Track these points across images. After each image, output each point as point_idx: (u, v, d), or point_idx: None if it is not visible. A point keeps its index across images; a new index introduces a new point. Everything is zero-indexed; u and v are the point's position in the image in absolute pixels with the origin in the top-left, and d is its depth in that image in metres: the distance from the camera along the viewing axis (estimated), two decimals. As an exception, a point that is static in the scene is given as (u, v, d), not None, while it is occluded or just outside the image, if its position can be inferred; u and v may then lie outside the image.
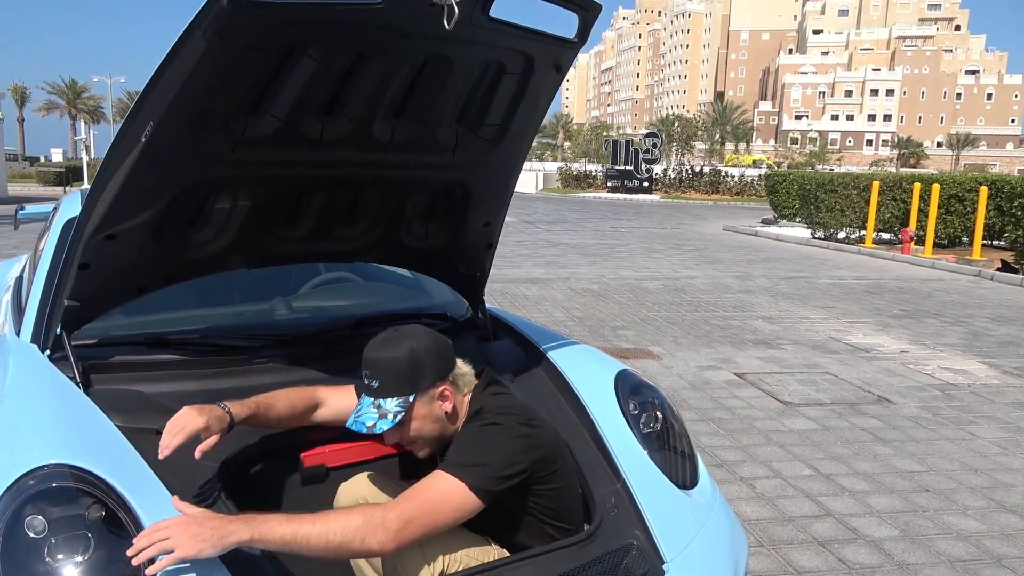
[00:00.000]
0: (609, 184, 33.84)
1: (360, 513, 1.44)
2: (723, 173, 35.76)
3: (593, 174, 37.46)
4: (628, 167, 32.97)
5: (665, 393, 2.32)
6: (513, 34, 1.80)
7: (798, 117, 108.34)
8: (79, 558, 1.39)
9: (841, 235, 15.66)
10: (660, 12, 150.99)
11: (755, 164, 53.03)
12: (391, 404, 1.64)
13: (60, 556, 1.39)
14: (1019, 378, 5.73)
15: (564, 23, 1.90)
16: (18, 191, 27.30)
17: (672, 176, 35.67)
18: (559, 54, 1.91)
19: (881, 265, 12.71)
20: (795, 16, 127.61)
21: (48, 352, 1.99)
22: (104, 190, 1.72)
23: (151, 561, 1.37)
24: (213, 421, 1.64)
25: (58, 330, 1.98)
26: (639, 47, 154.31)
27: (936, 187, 13.55)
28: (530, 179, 36.59)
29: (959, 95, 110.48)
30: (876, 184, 14.77)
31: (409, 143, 2.01)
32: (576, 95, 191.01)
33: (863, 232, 15.16)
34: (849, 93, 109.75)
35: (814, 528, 3.18)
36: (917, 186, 14.12)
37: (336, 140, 1.90)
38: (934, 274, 11.73)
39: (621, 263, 11.98)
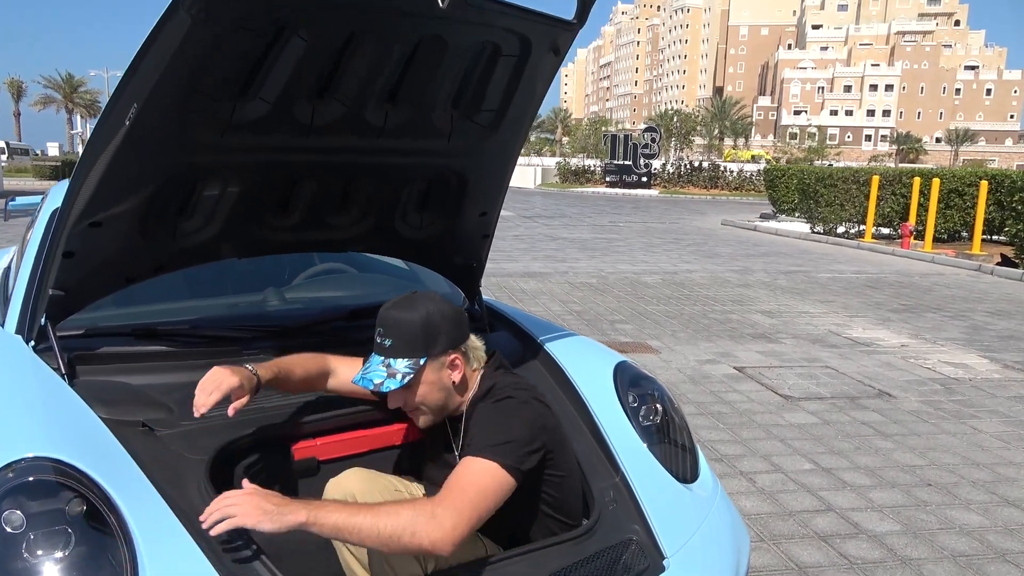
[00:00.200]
0: (608, 179, 33.76)
1: (409, 506, 1.43)
2: (722, 168, 35.73)
3: (591, 169, 37.40)
4: (627, 162, 32.89)
5: (665, 385, 2.27)
6: (509, 14, 1.74)
7: (797, 112, 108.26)
8: (59, 554, 1.35)
9: (840, 230, 15.61)
10: (659, 7, 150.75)
11: (754, 159, 52.99)
12: (401, 364, 1.63)
13: (39, 552, 1.34)
14: (1020, 372, 5.69)
15: (562, 4, 1.85)
16: (13, 185, 27.19)
17: (671, 171, 35.63)
18: (557, 36, 1.86)
19: (881, 260, 12.67)
20: (794, 11, 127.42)
21: (33, 343, 1.94)
22: (88, 175, 1.67)
23: (134, 561, 1.34)
24: (244, 380, 1.65)
25: (43, 320, 1.93)
26: (638, 42, 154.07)
27: (936, 181, 13.50)
28: (528, 174, 36.49)
29: (958, 91, 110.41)
30: (876, 179, 14.72)
31: (403, 128, 1.96)
32: (574, 90, 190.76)
33: (862, 227, 15.12)
34: (848, 88, 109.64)
35: (815, 523, 3.14)
36: (917, 180, 14.07)
37: (328, 125, 1.85)
38: (934, 268, 11.70)
39: (619, 257, 11.93)
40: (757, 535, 3.00)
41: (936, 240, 13.67)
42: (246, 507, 1.37)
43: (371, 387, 1.62)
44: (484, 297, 2.61)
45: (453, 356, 1.69)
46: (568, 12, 1.82)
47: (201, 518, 1.39)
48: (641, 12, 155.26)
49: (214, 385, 1.61)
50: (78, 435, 1.59)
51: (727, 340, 6.43)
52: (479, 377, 1.75)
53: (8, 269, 2.94)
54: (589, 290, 8.80)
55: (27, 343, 1.94)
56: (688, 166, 36.42)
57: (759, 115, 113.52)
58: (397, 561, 1.55)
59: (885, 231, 15.39)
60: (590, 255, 12.08)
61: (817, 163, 27.77)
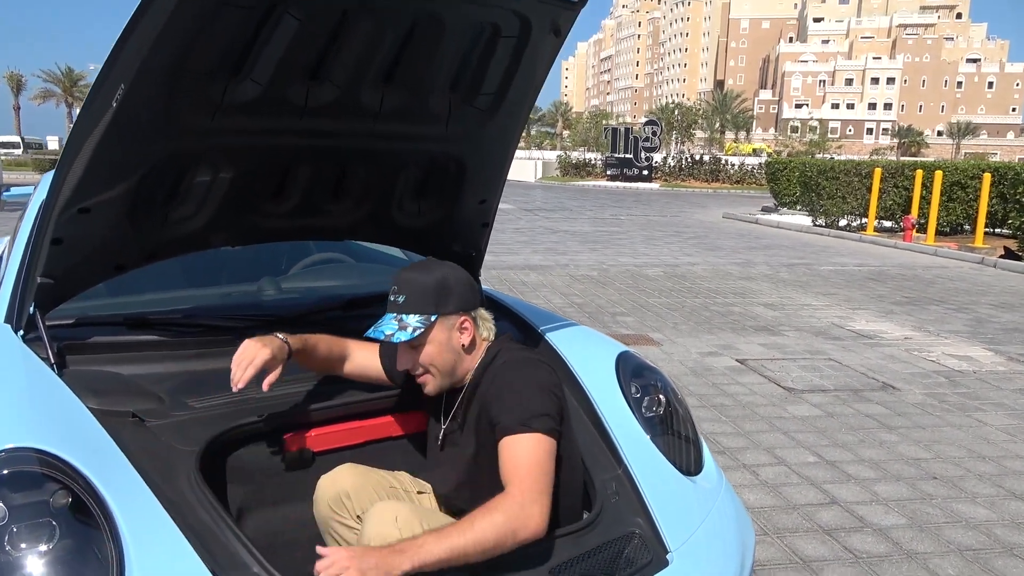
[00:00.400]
0: (608, 172, 33.66)
1: (498, 511, 1.42)
2: (723, 161, 35.59)
3: (592, 162, 37.27)
4: (628, 155, 32.77)
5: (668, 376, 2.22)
6: None
7: (798, 106, 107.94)
8: (43, 547, 1.30)
9: (842, 223, 15.55)
10: (660, 0, 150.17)
11: (755, 153, 52.84)
12: (412, 319, 1.64)
13: (22, 545, 1.29)
14: (1025, 365, 5.65)
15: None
16: (13, 179, 27.17)
17: (672, 164, 35.48)
18: (557, 16, 1.80)
19: (883, 252, 12.61)
20: (795, 4, 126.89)
21: (22, 332, 1.89)
22: (75, 160, 1.62)
23: (121, 555, 1.29)
24: (276, 351, 1.67)
25: (32, 309, 1.88)
26: (638, 35, 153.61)
27: (939, 174, 13.43)
28: (529, 168, 36.39)
29: (960, 84, 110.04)
30: (878, 171, 14.64)
31: (399, 112, 1.91)
32: (575, 84, 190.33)
33: (864, 220, 15.05)
34: (850, 82, 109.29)
35: (819, 516, 3.10)
36: (919, 173, 14.00)
37: (322, 108, 1.80)
38: (936, 261, 11.64)
39: (621, 250, 11.87)
40: (761, 528, 2.96)
41: (938, 233, 13.60)
42: (350, 573, 1.31)
43: (382, 337, 1.63)
44: (484, 287, 2.56)
45: (464, 319, 1.69)
46: (569, -9, 1.77)
47: None
48: (642, 5, 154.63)
49: (248, 359, 1.63)
50: (65, 425, 1.54)
51: (729, 332, 6.39)
52: (486, 348, 1.74)
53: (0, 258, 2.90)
54: (590, 283, 8.75)
55: (16, 332, 1.89)
56: (689, 159, 36.28)
57: (760, 108, 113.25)
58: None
59: (887, 224, 15.33)
60: (591, 248, 12.03)
61: (818, 157, 27.62)
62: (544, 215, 17.95)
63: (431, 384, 1.70)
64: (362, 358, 1.89)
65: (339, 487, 1.67)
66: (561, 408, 1.62)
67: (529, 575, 1.47)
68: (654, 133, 33.12)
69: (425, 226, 2.34)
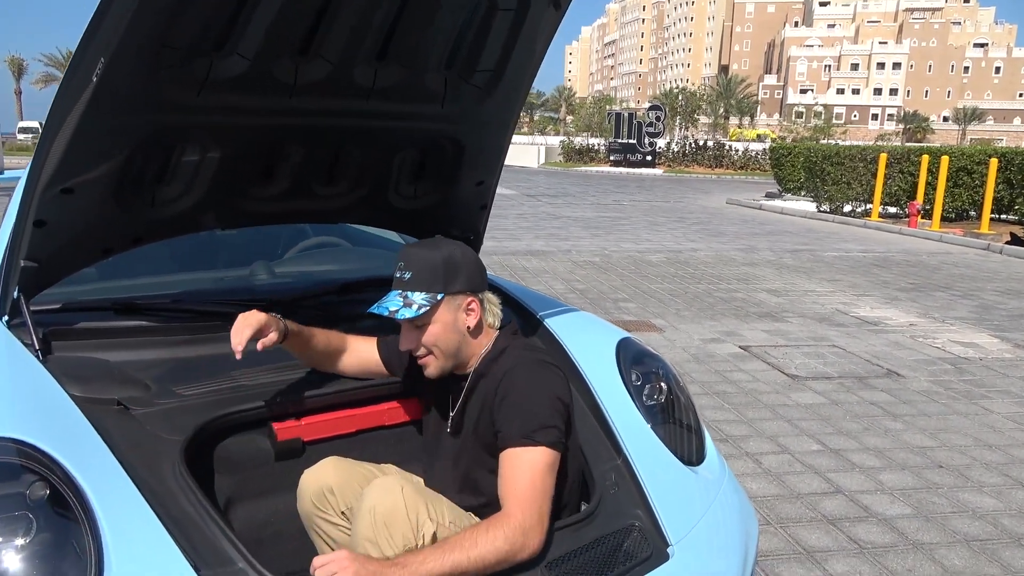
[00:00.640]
0: (612, 158, 33.48)
1: (496, 529, 1.39)
2: (727, 147, 35.38)
3: (596, 148, 37.06)
4: (631, 141, 32.57)
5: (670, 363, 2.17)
6: None
7: (803, 91, 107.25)
8: (20, 541, 1.26)
9: (847, 208, 15.44)
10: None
11: (759, 138, 52.49)
12: (418, 297, 1.59)
13: (-2, 539, 1.24)
14: (1032, 352, 5.59)
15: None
16: (15, 163, 27.10)
17: (676, 150, 35.27)
18: None
19: (888, 239, 12.51)
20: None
21: (6, 318, 1.84)
22: (56, 138, 1.55)
23: (100, 549, 1.25)
24: (272, 321, 1.67)
25: (16, 294, 1.83)
26: (643, 19, 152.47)
27: (945, 159, 13.30)
28: (532, 153, 36.20)
29: (967, 69, 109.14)
30: (883, 156, 14.51)
31: (394, 90, 1.84)
32: (579, 68, 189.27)
33: (869, 205, 14.94)
34: (855, 67, 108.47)
35: (823, 505, 3.05)
36: (925, 158, 13.87)
37: (313, 85, 1.73)
38: (942, 247, 11.55)
39: (623, 236, 11.80)
40: (764, 518, 2.91)
41: (944, 219, 13.49)
42: (348, 574, 1.28)
43: (386, 313, 1.58)
44: (483, 272, 2.50)
45: (470, 300, 1.63)
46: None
47: None
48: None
49: (244, 323, 1.61)
50: (45, 414, 1.49)
51: (732, 319, 6.33)
52: (494, 337, 1.68)
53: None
54: (592, 268, 8.69)
55: (-1, 317, 1.83)
56: (693, 145, 36.06)
57: (765, 94, 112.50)
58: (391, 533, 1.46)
59: (892, 210, 15.21)
60: (593, 233, 11.95)
61: (823, 142, 27.37)
62: (546, 200, 17.86)
63: (433, 366, 1.64)
64: (360, 350, 1.85)
65: (322, 482, 1.62)
66: (569, 418, 1.57)
67: (526, 570, 1.42)
68: (658, 118, 32.92)
69: (422, 208, 2.28)
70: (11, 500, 1.29)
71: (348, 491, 1.61)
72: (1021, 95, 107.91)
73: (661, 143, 34.27)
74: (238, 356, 1.58)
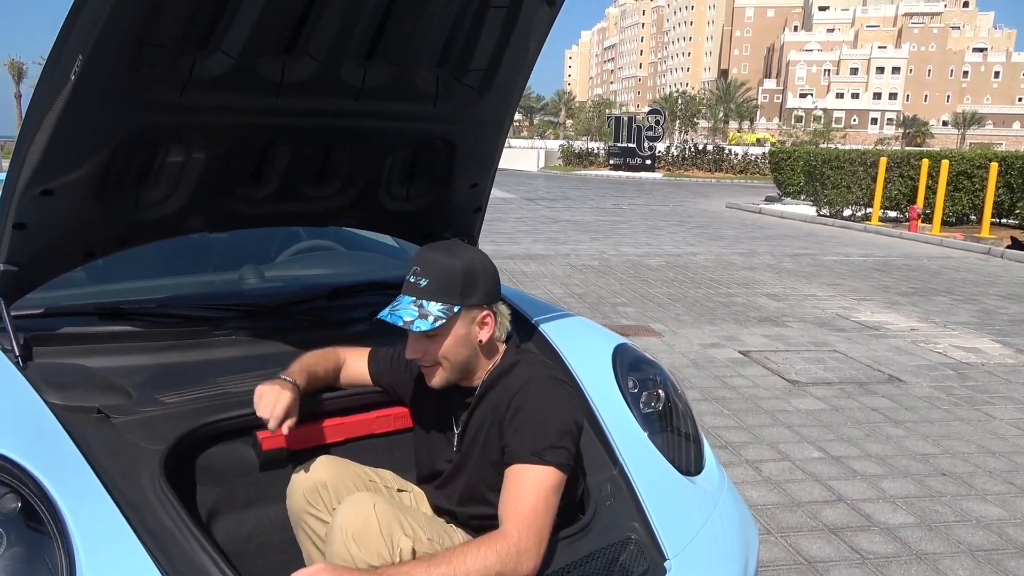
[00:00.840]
0: (611, 162, 33.48)
1: (489, 547, 1.33)
2: (726, 151, 35.39)
3: (595, 152, 37.04)
4: (631, 144, 32.56)
5: (668, 369, 2.11)
6: None
7: (803, 95, 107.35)
8: (-12, 556, 1.20)
9: (847, 212, 15.40)
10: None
11: (759, 142, 52.52)
12: (434, 307, 1.49)
13: (-35, 554, 1.19)
14: (1034, 357, 5.53)
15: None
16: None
17: (675, 154, 35.27)
18: None
19: (888, 243, 12.47)
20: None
21: (-15, 323, 1.79)
22: (34, 137, 1.50)
23: (72, 564, 1.19)
24: (293, 392, 1.59)
25: None
26: (642, 24, 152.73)
27: (945, 163, 13.26)
28: (531, 157, 36.19)
29: (966, 73, 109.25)
30: (883, 160, 14.48)
31: (384, 89, 1.79)
32: (579, 72, 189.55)
33: (869, 209, 14.90)
34: (855, 71, 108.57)
35: (825, 514, 2.99)
36: (926, 162, 13.83)
37: (300, 84, 1.68)
38: (942, 252, 11.50)
39: (622, 240, 11.75)
40: (764, 527, 2.86)
41: (944, 223, 13.46)
42: None
43: (400, 323, 1.49)
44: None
45: (485, 313, 1.55)
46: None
47: None
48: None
49: (272, 402, 1.54)
50: (18, 423, 1.44)
51: (732, 323, 6.27)
52: (502, 351, 1.61)
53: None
54: (591, 272, 8.64)
55: (-23, 323, 1.78)
56: (692, 149, 36.06)
57: (764, 98, 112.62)
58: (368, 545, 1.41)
59: (892, 214, 15.17)
60: (592, 237, 11.91)
61: (823, 146, 27.31)
62: (546, 204, 17.83)
63: (438, 377, 1.56)
64: (352, 366, 1.79)
65: (316, 477, 1.56)
66: (579, 440, 1.51)
67: None
68: (657, 122, 32.91)
69: (415, 211, 2.23)
70: (-20, 514, 1.24)
71: (342, 488, 1.56)
72: (1020, 100, 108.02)
73: (661, 147, 34.27)
74: (280, 433, 1.54)
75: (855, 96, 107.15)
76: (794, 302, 7.29)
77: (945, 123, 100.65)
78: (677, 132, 68.22)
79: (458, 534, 1.54)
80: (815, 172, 16.32)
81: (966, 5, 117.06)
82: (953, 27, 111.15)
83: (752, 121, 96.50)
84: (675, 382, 2.06)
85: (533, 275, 8.34)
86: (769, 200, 19.21)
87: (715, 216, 16.31)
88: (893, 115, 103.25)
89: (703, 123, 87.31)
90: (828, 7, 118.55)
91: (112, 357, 1.83)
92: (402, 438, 1.83)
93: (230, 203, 1.96)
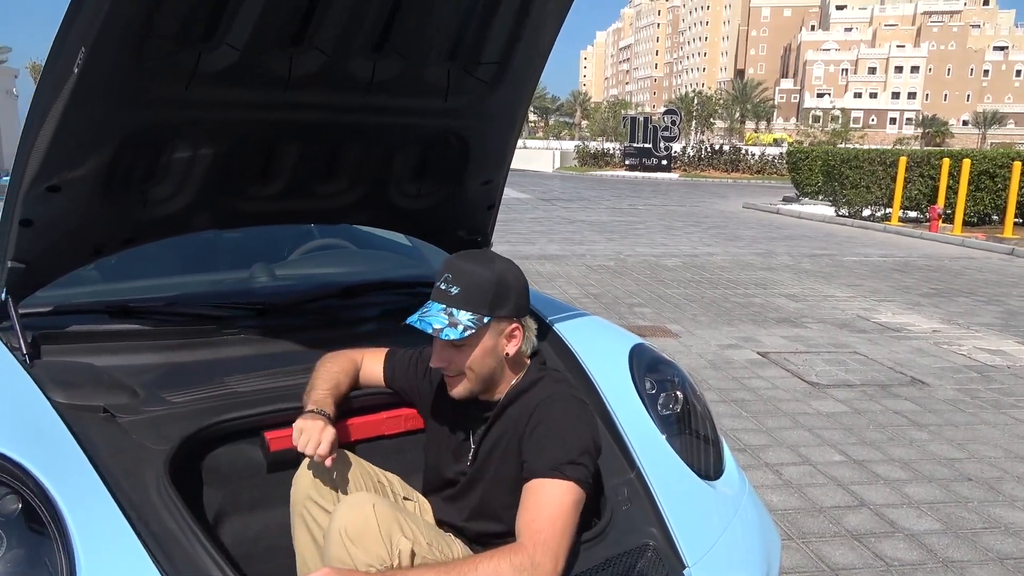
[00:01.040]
0: (627, 162, 33.33)
1: (503, 558, 1.28)
2: (743, 151, 35.16)
3: (611, 152, 36.93)
4: (647, 145, 32.42)
5: (686, 370, 2.06)
6: None
7: (820, 95, 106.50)
8: (-13, 559, 1.17)
9: (866, 212, 15.22)
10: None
11: (776, 143, 52.15)
12: (464, 317, 1.46)
13: (-36, 557, 1.16)
14: (1061, 359, 5.41)
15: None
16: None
17: (691, 154, 35.09)
18: None
19: (908, 243, 12.30)
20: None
21: (-6, 321, 1.76)
22: (39, 133, 1.48)
23: (73, 567, 1.16)
24: (328, 424, 1.52)
25: (3, 296, 1.75)
26: (658, 24, 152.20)
27: (967, 163, 13.07)
28: (547, 157, 36.13)
29: (986, 72, 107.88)
30: (903, 160, 14.29)
31: (394, 83, 1.75)
32: (594, 73, 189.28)
33: (889, 210, 14.71)
34: (873, 70, 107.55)
35: (847, 520, 2.92)
36: (946, 162, 13.63)
37: (308, 78, 1.64)
38: (964, 252, 11.33)
39: (639, 240, 11.67)
40: (785, 533, 2.79)
41: (966, 223, 13.25)
42: None
43: (429, 330, 1.46)
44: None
45: (514, 326, 1.52)
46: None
47: None
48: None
49: (317, 439, 1.47)
50: (21, 423, 1.41)
51: (750, 324, 6.19)
52: (527, 366, 1.58)
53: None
54: (607, 273, 8.58)
55: (-15, 320, 1.76)
56: (709, 149, 35.86)
57: (781, 98, 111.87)
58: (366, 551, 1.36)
59: (912, 214, 14.97)
60: (608, 238, 11.84)
61: (841, 146, 27.01)
62: (561, 205, 17.77)
63: (461, 388, 1.53)
64: (369, 367, 1.76)
65: (324, 469, 1.52)
66: (596, 460, 1.47)
67: None
68: (673, 123, 32.77)
69: (426, 208, 2.19)
70: (-20, 515, 1.21)
71: (351, 482, 1.52)
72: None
73: (677, 147, 34.10)
74: (328, 464, 1.49)
75: (873, 96, 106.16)
76: (813, 303, 7.18)
77: (965, 123, 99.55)
78: (693, 132, 67.95)
79: (457, 544, 1.50)
80: (834, 172, 16.15)
81: (986, 3, 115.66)
82: (973, 25, 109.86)
83: (769, 121, 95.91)
84: (693, 383, 2.01)
85: (549, 275, 8.28)
86: (787, 200, 19.04)
87: (732, 216, 16.18)
88: (912, 115, 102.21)
89: (719, 123, 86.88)
90: (846, 6, 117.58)
91: (120, 355, 1.81)
92: (412, 440, 1.79)
93: (238, 201, 1.93)
